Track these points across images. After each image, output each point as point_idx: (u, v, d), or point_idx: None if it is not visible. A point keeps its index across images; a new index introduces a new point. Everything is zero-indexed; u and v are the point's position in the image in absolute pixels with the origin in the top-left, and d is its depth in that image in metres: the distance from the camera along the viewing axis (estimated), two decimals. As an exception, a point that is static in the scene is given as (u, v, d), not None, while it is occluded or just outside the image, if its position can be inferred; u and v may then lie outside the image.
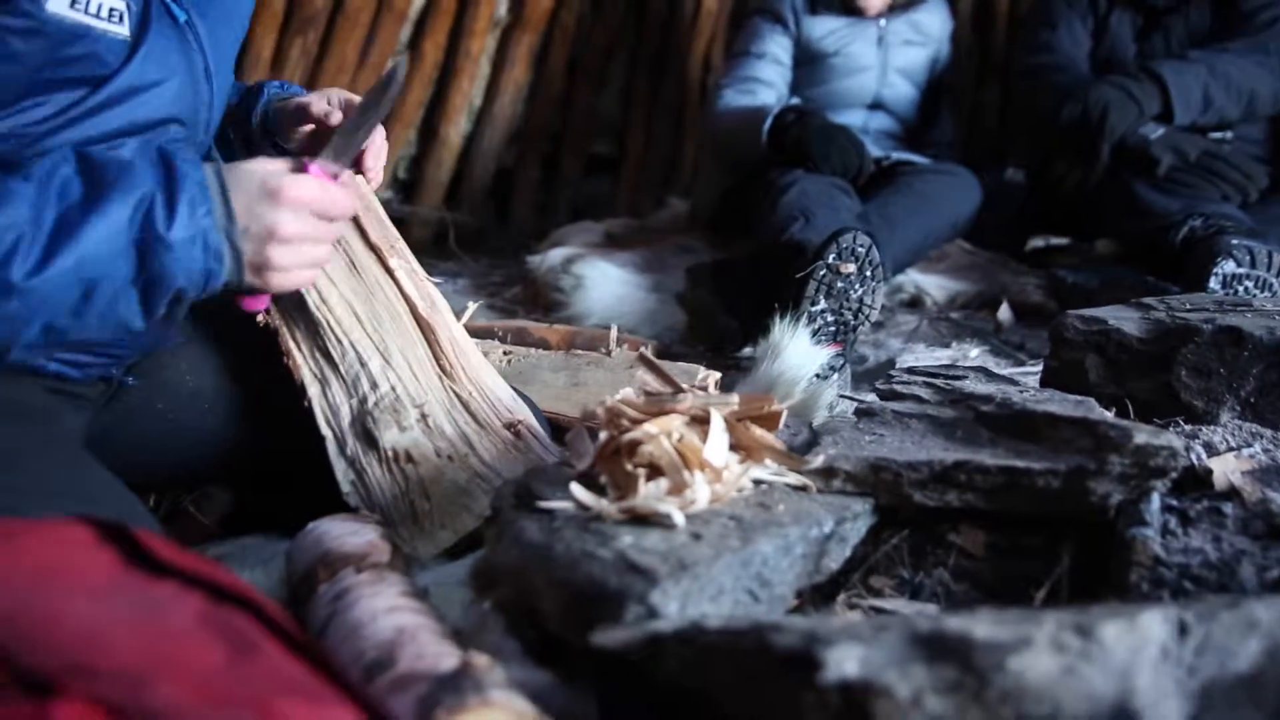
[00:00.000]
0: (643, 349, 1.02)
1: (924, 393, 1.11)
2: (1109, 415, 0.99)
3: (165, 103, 0.99)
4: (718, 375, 1.00)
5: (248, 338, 1.16)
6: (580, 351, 1.66)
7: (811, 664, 0.57)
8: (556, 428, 1.27)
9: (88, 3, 0.93)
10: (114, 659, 0.50)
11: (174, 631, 0.54)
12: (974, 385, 1.10)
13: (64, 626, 0.51)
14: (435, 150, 3.30)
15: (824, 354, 1.65)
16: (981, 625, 0.58)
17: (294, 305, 1.11)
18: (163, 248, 0.82)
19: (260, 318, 1.12)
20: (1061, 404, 1.00)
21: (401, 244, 1.16)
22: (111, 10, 0.95)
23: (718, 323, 2.10)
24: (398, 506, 1.05)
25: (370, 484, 1.06)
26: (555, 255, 2.44)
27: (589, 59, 3.46)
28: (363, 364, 1.08)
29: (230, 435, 1.18)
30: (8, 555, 0.57)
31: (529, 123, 3.45)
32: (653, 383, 0.97)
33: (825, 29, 2.67)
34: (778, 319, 1.68)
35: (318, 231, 0.91)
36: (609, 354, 1.65)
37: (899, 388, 1.13)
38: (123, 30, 0.96)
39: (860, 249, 1.69)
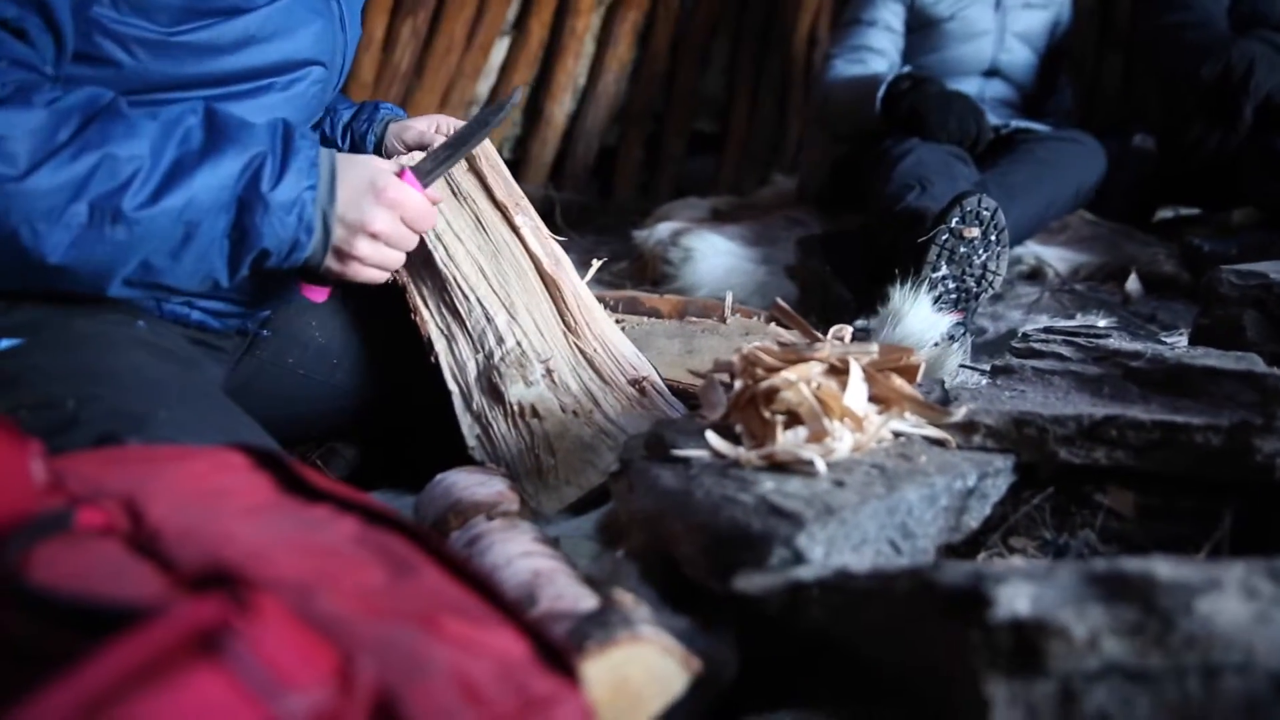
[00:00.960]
0: (778, 300, 1.00)
1: (1065, 350, 1.05)
2: (1277, 370, 0.92)
3: (307, 44, 1.01)
4: (851, 328, 0.97)
5: (375, 294, 1.17)
6: (695, 320, 1.64)
7: (980, 601, 0.54)
8: (673, 393, 1.26)
9: None
10: (280, 571, 0.50)
11: (333, 549, 0.54)
12: (1119, 342, 1.05)
13: (234, 542, 0.52)
14: (540, 129, 3.33)
15: (945, 321, 1.59)
16: (1163, 566, 0.55)
17: (421, 262, 1.12)
18: (261, 205, 0.86)
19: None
20: (1221, 359, 0.94)
21: (526, 202, 1.17)
22: None
23: (830, 294, 2.06)
24: (523, 461, 1.05)
25: (495, 438, 1.06)
26: (663, 229, 2.43)
27: (693, 36, 3.43)
28: (489, 319, 1.09)
29: (357, 390, 1.20)
30: (180, 478, 0.58)
31: (633, 101, 3.44)
32: (785, 334, 0.94)
33: (940, -8, 2.58)
34: (898, 285, 1.63)
35: (401, 237, 0.96)
36: (724, 321, 1.62)
37: (1038, 345, 1.08)
38: None
39: (985, 212, 1.63)
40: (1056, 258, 2.22)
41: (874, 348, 0.88)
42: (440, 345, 1.10)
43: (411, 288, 1.11)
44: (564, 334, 1.11)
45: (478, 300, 1.09)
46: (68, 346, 0.87)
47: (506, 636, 0.48)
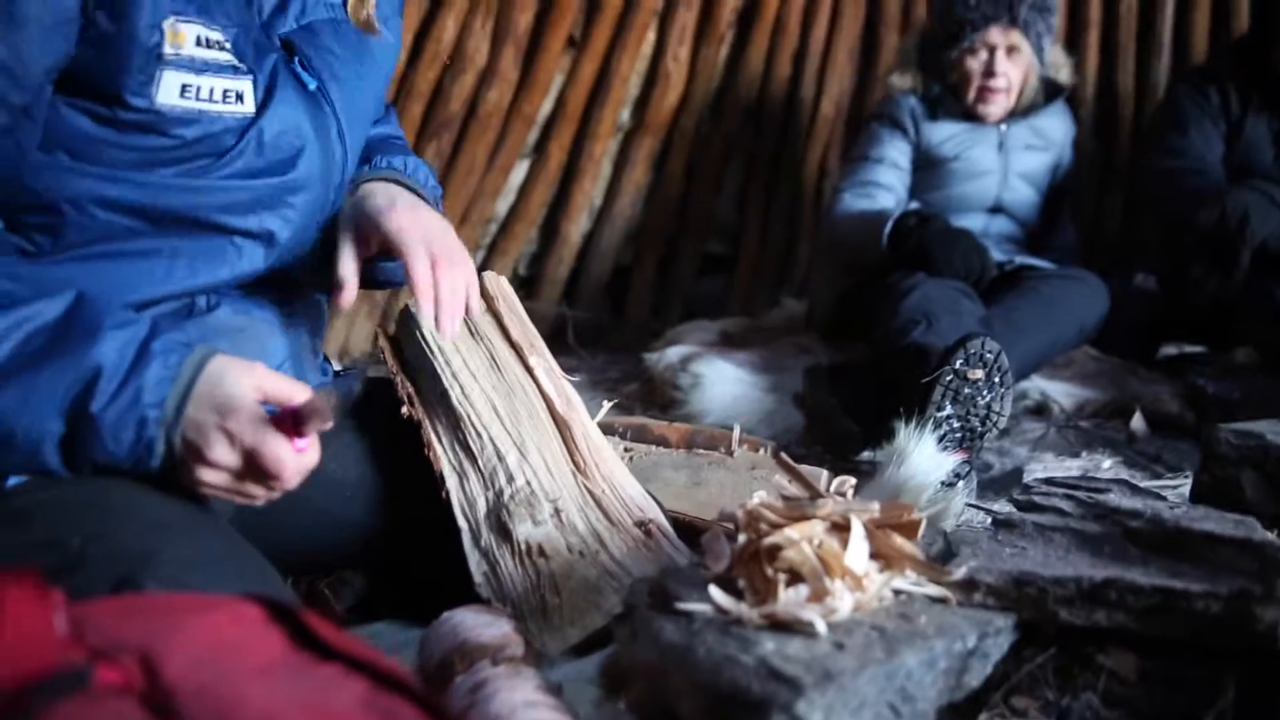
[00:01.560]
0: (779, 452, 1.02)
1: (1065, 505, 1.07)
2: (1274, 536, 0.94)
3: (298, 173, 1.02)
4: (853, 481, 0.99)
5: (391, 429, 1.20)
6: (702, 451, 1.67)
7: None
8: (678, 526, 1.27)
9: (198, 89, 0.93)
10: (290, 741, 0.51)
11: (341, 714, 0.55)
12: (1119, 499, 1.06)
13: (246, 706, 0.54)
14: (556, 248, 3.41)
15: (950, 461, 1.61)
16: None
17: (437, 398, 1.15)
18: (88, 424, 0.82)
19: (404, 410, 1.16)
20: (1219, 522, 0.96)
21: (540, 343, 1.21)
22: (226, 93, 0.96)
23: (836, 425, 2.08)
24: (528, 600, 1.06)
25: (503, 576, 1.08)
26: (673, 353, 2.47)
27: (707, 163, 3.55)
28: (500, 458, 1.11)
29: (369, 522, 1.21)
30: (196, 632, 0.60)
31: (647, 222, 3.54)
32: (788, 486, 0.97)
33: (945, 134, 2.68)
34: (902, 424, 1.66)
35: (245, 483, 0.88)
36: (730, 454, 1.65)
37: (1038, 499, 1.10)
38: (242, 109, 0.97)
39: (989, 355, 1.66)
40: (1062, 393, 2.25)
41: (875, 506, 0.89)
42: (452, 481, 1.12)
43: (426, 423, 1.14)
44: (573, 474, 1.13)
45: (490, 439, 1.12)
46: (71, 483, 0.89)
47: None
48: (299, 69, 1.05)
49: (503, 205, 3.32)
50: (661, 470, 1.64)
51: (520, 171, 3.32)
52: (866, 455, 2.06)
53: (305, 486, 1.19)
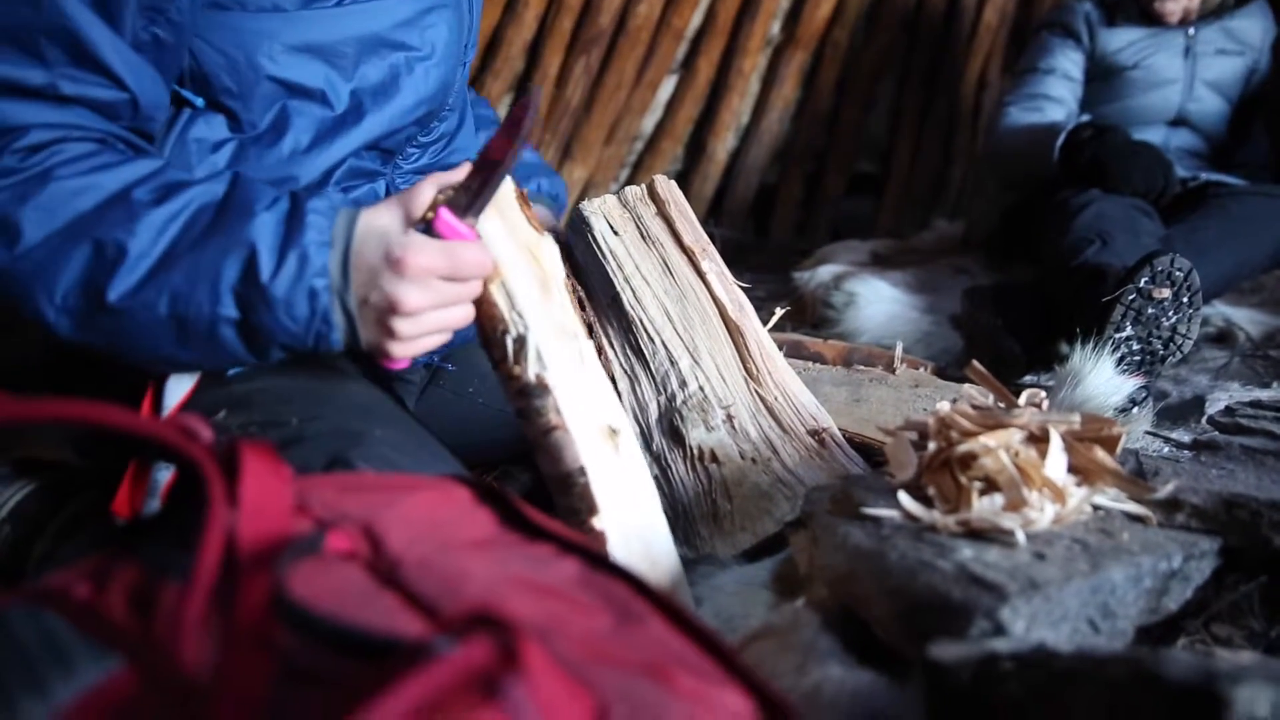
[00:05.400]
0: (972, 363, 0.98)
1: (1277, 428, 1.00)
2: None
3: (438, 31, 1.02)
4: (1045, 394, 0.94)
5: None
6: (861, 367, 1.63)
7: (1214, 701, 0.52)
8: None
9: None
10: (516, 611, 0.53)
11: (560, 591, 0.57)
12: (1340, 423, 0.98)
13: (470, 579, 0.55)
14: (702, 165, 3.37)
15: (1129, 384, 1.53)
16: None
17: (608, 302, 1.15)
18: (262, 301, 0.81)
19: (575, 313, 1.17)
20: None
21: (712, 248, 1.19)
22: None
23: (999, 347, 2.00)
24: (699, 504, 1.07)
25: (674, 480, 1.08)
26: (824, 272, 2.42)
27: (858, 78, 3.42)
28: (673, 362, 1.11)
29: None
30: (411, 508, 0.62)
31: (795, 140, 3.45)
32: (978, 398, 0.93)
33: (1124, 40, 2.49)
34: (1078, 344, 1.57)
35: (445, 297, 0.84)
36: (892, 372, 1.60)
37: (1244, 421, 1.03)
38: None
39: (1178, 273, 1.55)
40: (1248, 320, 2.10)
41: (1076, 417, 0.85)
42: (624, 385, 1.13)
43: (597, 327, 1.15)
44: (745, 381, 1.12)
45: (663, 343, 1.12)
46: (288, 373, 0.94)
47: (734, 694, 0.49)
48: None
49: (649, 122, 3.29)
50: (821, 386, 1.62)
51: (668, 87, 3.28)
52: (1029, 378, 1.98)
53: (471, 383, 1.22)
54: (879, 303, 2.20)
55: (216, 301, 0.81)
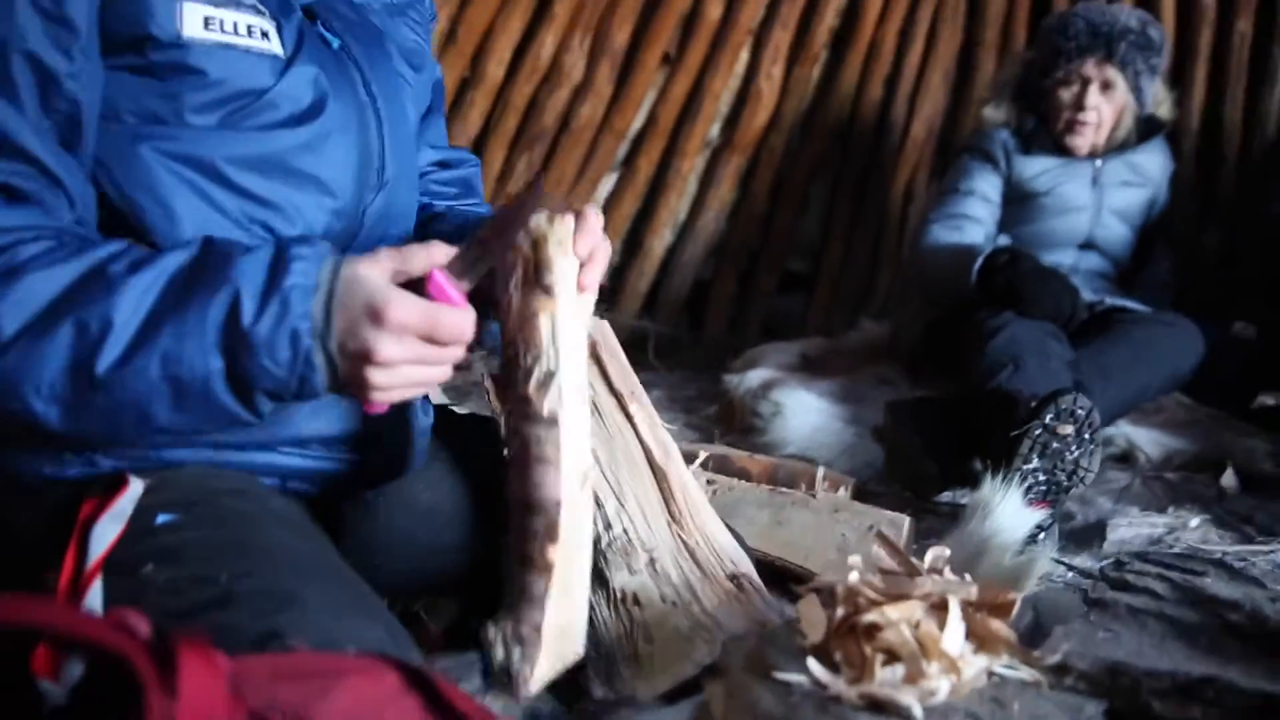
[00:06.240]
0: (880, 533, 1.04)
1: (1159, 587, 1.07)
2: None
3: (329, 118, 1.01)
4: (948, 553, 1.00)
5: (486, 463, 1.24)
6: (785, 490, 1.69)
7: None
8: (760, 566, 1.30)
9: (221, 22, 0.94)
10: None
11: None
12: (1216, 584, 1.06)
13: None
14: (638, 261, 3.46)
15: (1035, 515, 1.61)
16: None
17: (540, 441, 1.19)
18: (245, 346, 0.82)
19: (506, 450, 1.20)
20: (1322, 622, 0.96)
21: (640, 391, 1.24)
22: (250, 28, 0.96)
23: (917, 464, 2.08)
24: (621, 646, 1.10)
25: (597, 621, 1.11)
26: (753, 378, 2.49)
27: (793, 182, 3.55)
28: (599, 505, 1.15)
29: (462, 549, 1.25)
30: (342, 698, 0.64)
31: (730, 238, 3.56)
32: (887, 559, 0.99)
33: (1038, 168, 2.65)
34: (988, 475, 1.66)
35: (421, 355, 0.86)
36: (813, 495, 1.66)
37: (1130, 578, 1.10)
38: (269, 46, 0.98)
39: (1080, 411, 1.65)
40: (1149, 441, 2.22)
41: (973, 587, 0.91)
42: (551, 524, 1.16)
43: (528, 465, 1.18)
44: (669, 524, 1.16)
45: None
46: (217, 523, 0.93)
47: None
48: (321, 30, 1.06)
49: (589, 217, 3.38)
50: (745, 507, 1.67)
51: (608, 184, 3.37)
52: (945, 496, 2.06)
53: (400, 516, 1.24)
54: (804, 414, 2.27)
55: (207, 353, 0.82)
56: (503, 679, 0.92)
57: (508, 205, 0.99)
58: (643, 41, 3.20)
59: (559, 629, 0.94)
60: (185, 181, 0.94)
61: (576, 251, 1.00)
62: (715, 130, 3.47)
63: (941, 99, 3.61)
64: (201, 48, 0.94)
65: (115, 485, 0.94)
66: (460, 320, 0.87)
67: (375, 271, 0.87)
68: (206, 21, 0.95)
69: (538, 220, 0.94)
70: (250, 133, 0.98)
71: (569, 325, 0.97)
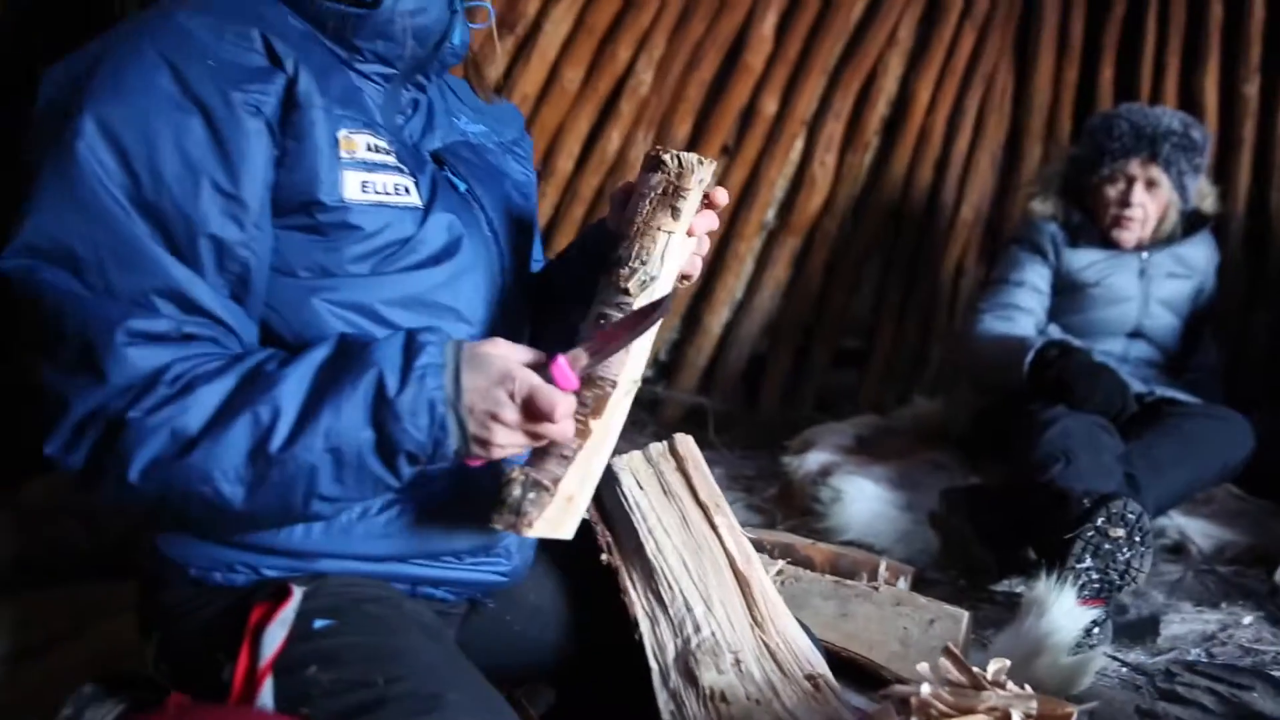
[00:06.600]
0: (949, 645, 1.15)
1: (1208, 700, 1.17)
2: None
3: (463, 257, 1.17)
4: (1009, 663, 1.10)
5: (586, 567, 1.37)
6: (849, 582, 1.79)
7: None
8: (830, 657, 1.41)
9: (374, 185, 1.11)
10: None
11: None
12: (1264, 701, 1.15)
13: None
14: (697, 337, 3.59)
15: (1089, 614, 1.70)
16: None
17: (634, 549, 1.32)
18: (391, 415, 0.96)
19: (604, 557, 1.33)
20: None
21: (724, 502, 1.36)
22: (397, 186, 1.13)
23: (971, 552, 2.17)
24: (710, 740, 1.21)
25: (687, 716, 1.23)
26: (811, 461, 2.61)
27: (846, 262, 3.68)
28: (689, 609, 1.27)
29: (563, 646, 1.38)
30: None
31: (784, 316, 3.69)
32: (954, 672, 1.09)
33: (1086, 260, 2.74)
34: (1042, 571, 1.75)
35: (534, 426, 1.00)
36: (876, 587, 1.77)
37: (1180, 689, 1.20)
38: (411, 200, 1.14)
39: (1130, 515, 1.74)
40: (1201, 533, 2.29)
41: (1034, 701, 1.02)
42: (645, 626, 1.28)
43: (623, 571, 1.31)
44: (751, 627, 1.28)
45: (680, 590, 1.28)
46: (366, 629, 1.07)
47: None
48: (450, 175, 1.24)
49: (651, 298, 3.53)
50: (811, 598, 1.78)
51: (669, 268, 3.52)
52: (1001, 585, 2.14)
53: (509, 613, 1.37)
54: (863, 500, 2.38)
55: (359, 426, 0.97)
56: (510, 515, 1.03)
57: (628, 186, 1.17)
58: (703, 135, 3.38)
59: (566, 497, 1.06)
60: (350, 324, 1.11)
61: (710, 202, 1.18)
62: (771, 214, 3.63)
63: (990, 182, 3.74)
64: (359, 208, 1.11)
65: (280, 594, 1.08)
66: (554, 399, 1.00)
67: (504, 349, 1.04)
68: (363, 185, 1.11)
69: (691, 155, 1.13)
70: (397, 275, 1.14)
71: (677, 249, 1.14)
